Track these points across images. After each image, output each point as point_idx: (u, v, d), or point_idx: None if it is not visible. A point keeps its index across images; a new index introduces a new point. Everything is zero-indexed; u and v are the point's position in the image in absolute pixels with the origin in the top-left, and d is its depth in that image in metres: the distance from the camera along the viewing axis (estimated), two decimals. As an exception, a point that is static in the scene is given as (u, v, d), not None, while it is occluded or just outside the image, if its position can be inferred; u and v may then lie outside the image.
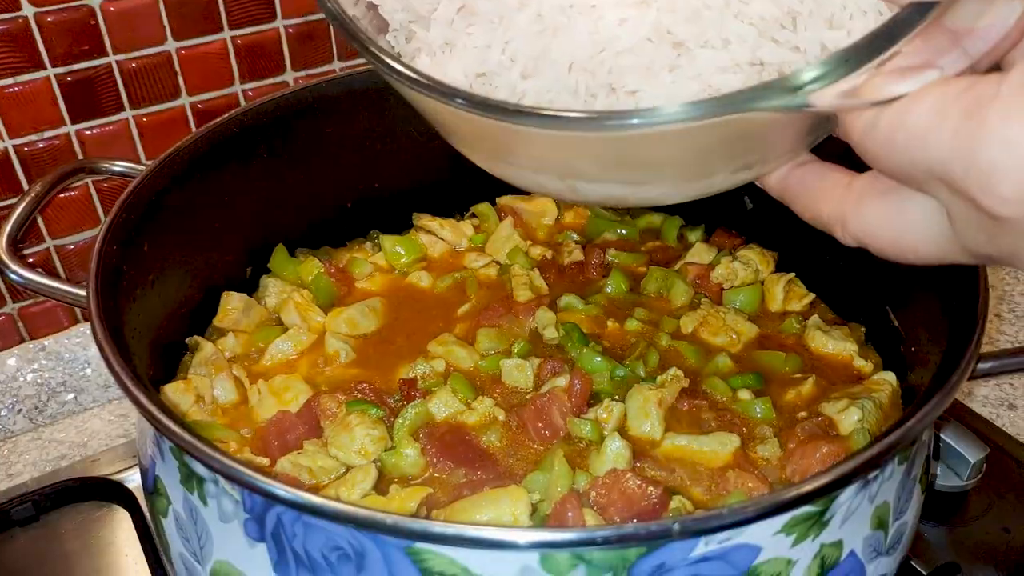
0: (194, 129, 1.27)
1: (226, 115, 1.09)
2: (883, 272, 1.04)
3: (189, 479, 0.74)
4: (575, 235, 1.27)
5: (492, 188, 1.31)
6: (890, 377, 1.02)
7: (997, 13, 0.49)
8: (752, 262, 1.15)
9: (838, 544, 0.71)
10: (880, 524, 0.75)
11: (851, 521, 0.71)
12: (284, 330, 1.11)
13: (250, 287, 1.17)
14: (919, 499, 0.83)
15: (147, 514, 0.88)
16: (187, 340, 1.08)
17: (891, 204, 0.55)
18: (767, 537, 0.65)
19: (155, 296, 1.00)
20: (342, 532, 0.63)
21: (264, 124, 1.12)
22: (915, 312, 0.98)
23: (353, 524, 0.61)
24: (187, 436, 0.66)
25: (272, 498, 0.63)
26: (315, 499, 0.61)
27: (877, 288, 1.06)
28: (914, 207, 0.53)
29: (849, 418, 0.95)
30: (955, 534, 1.05)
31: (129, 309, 0.91)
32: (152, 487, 0.82)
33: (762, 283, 1.15)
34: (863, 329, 1.09)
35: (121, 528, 1.13)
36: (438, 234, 1.27)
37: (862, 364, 1.05)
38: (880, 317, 1.06)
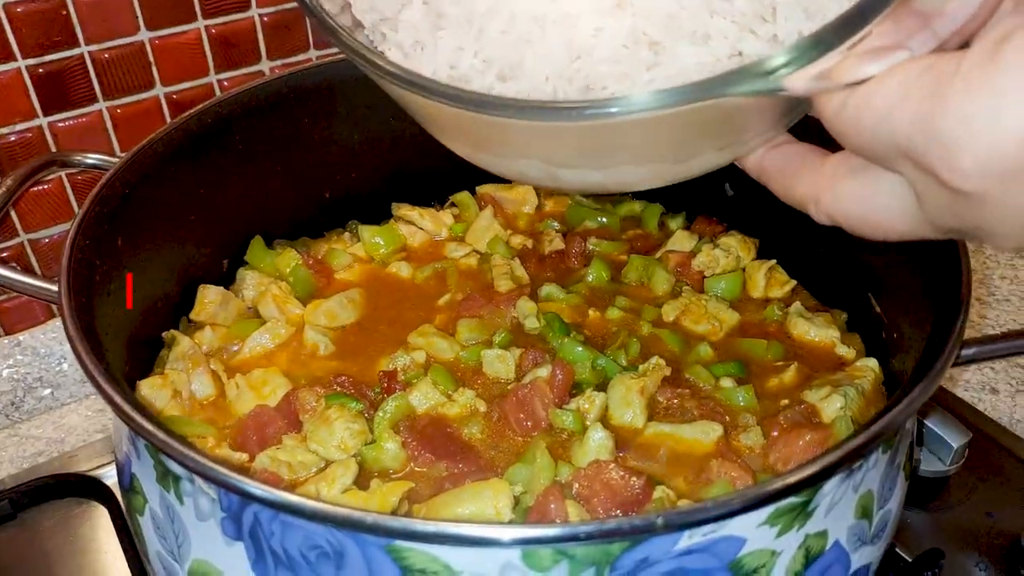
0: (169, 120, 1.26)
1: (201, 106, 1.07)
2: (864, 258, 1.04)
3: (165, 477, 0.73)
4: (555, 223, 1.26)
5: (472, 177, 1.29)
6: (872, 363, 1.01)
7: None
8: (733, 249, 1.15)
9: (823, 534, 0.71)
10: (864, 513, 0.75)
11: (835, 511, 0.71)
12: (262, 323, 1.10)
13: (227, 280, 1.16)
14: (903, 486, 0.83)
15: (125, 512, 0.87)
16: (163, 335, 1.07)
17: (862, 182, 0.56)
18: (751, 528, 0.65)
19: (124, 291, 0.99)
20: (321, 531, 0.62)
21: (240, 115, 1.11)
22: (897, 298, 0.97)
23: (332, 523, 0.60)
24: (161, 435, 0.65)
25: (248, 497, 0.62)
26: (292, 498, 0.60)
27: (859, 274, 1.05)
28: (884, 184, 0.54)
29: (832, 405, 0.95)
30: (938, 519, 1.05)
31: (102, 304, 0.89)
32: (129, 485, 0.81)
33: (743, 270, 1.14)
34: (845, 316, 1.09)
35: (100, 525, 1.12)
36: (418, 224, 1.26)
37: (844, 351, 1.05)
38: (862, 304, 1.06)
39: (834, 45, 0.50)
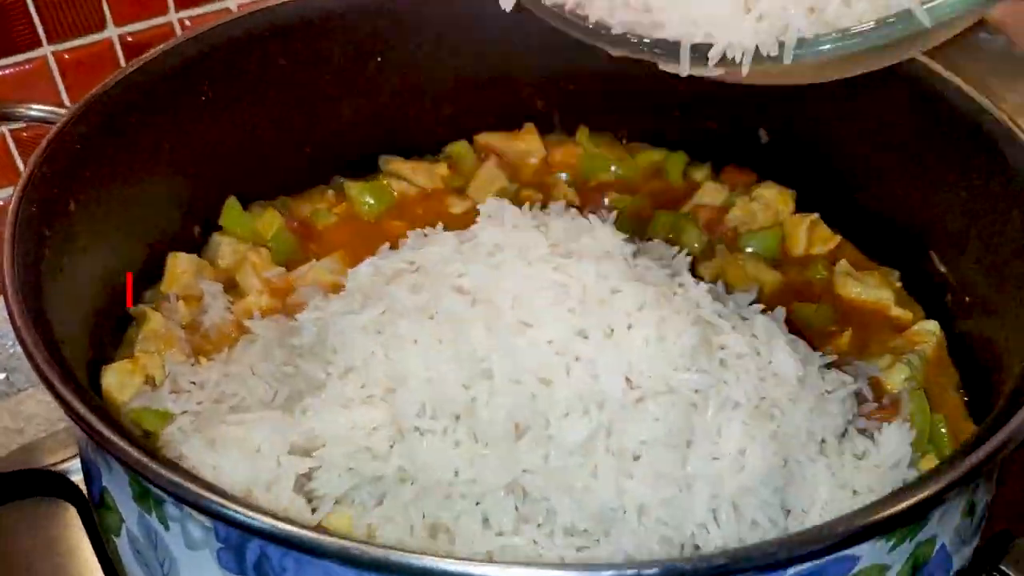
0: (124, 65, 1.10)
1: (161, 47, 0.93)
2: (924, 210, 0.93)
3: (144, 497, 0.60)
4: (565, 175, 1.13)
5: (468, 125, 1.16)
6: (933, 327, 0.91)
7: None
8: (771, 202, 1.03)
9: (931, 540, 0.61)
10: (970, 510, 0.65)
11: (947, 515, 0.61)
12: (241, 293, 0.97)
13: (201, 248, 1.02)
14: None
15: (98, 526, 0.74)
16: (130, 310, 0.93)
17: None
18: (867, 546, 0.54)
19: (88, 263, 0.85)
20: (348, 572, 0.50)
21: (207, 58, 0.96)
22: (971, 254, 0.86)
23: (364, 566, 0.48)
24: (140, 456, 0.52)
25: (254, 532, 0.50)
26: (311, 535, 0.48)
27: (916, 228, 0.94)
28: None
29: (896, 376, 0.85)
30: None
31: (55, 282, 0.76)
32: (99, 499, 0.69)
33: (782, 225, 1.03)
34: (897, 274, 0.98)
35: (71, 525, 0.99)
36: (410, 179, 1.12)
37: (900, 313, 0.94)
38: (918, 261, 0.95)
39: None
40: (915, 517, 0.54)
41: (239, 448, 0.69)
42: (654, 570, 0.48)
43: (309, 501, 0.72)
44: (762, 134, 1.06)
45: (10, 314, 0.67)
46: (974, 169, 0.86)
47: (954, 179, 0.89)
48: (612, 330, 0.70)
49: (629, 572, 0.48)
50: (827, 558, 0.53)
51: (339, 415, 0.71)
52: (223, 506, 0.50)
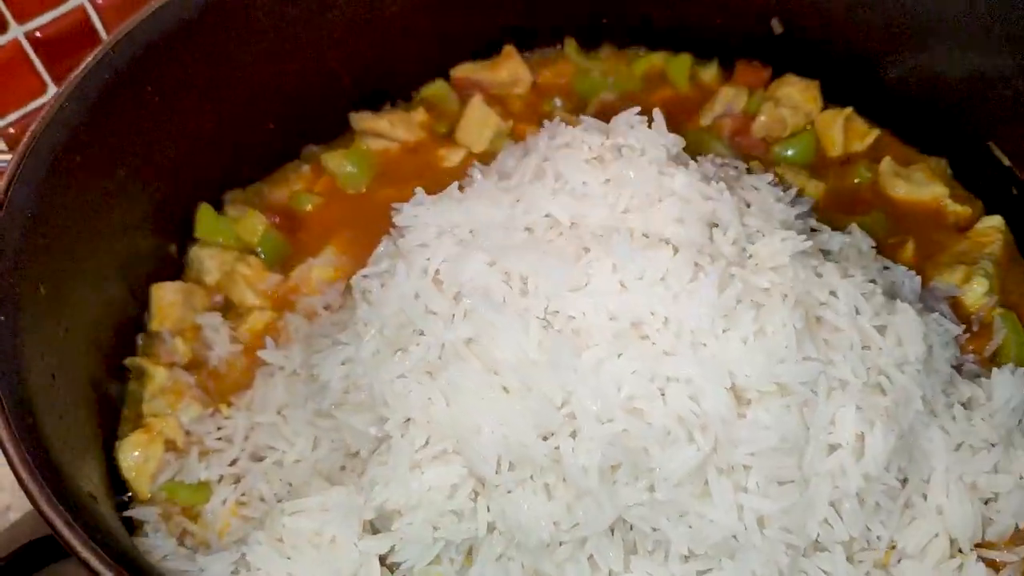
0: (43, 75, 0.95)
1: (92, 59, 0.78)
2: (975, 88, 0.84)
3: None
4: (560, 101, 1.01)
5: (441, 60, 1.03)
6: (998, 222, 0.85)
7: None
8: (798, 102, 0.93)
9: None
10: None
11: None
12: (239, 313, 0.88)
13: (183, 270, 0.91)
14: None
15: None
16: (126, 362, 0.84)
17: None
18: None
19: (73, 339, 0.75)
20: None
21: (145, 57, 0.82)
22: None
23: None
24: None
25: None
26: None
27: (967, 111, 0.85)
28: None
29: (976, 292, 0.80)
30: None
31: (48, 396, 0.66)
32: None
33: (814, 125, 0.93)
34: (945, 162, 0.90)
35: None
36: (388, 135, 1.00)
37: (958, 209, 0.87)
38: (967, 149, 0.87)
39: None
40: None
41: (312, 544, 0.62)
42: None
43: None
44: (775, 24, 0.94)
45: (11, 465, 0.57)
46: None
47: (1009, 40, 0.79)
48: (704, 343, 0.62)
49: None
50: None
51: (411, 479, 0.64)
52: None
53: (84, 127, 0.77)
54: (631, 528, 0.64)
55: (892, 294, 0.72)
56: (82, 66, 0.78)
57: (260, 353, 0.83)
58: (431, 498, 0.64)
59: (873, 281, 0.70)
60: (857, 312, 0.66)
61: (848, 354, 0.64)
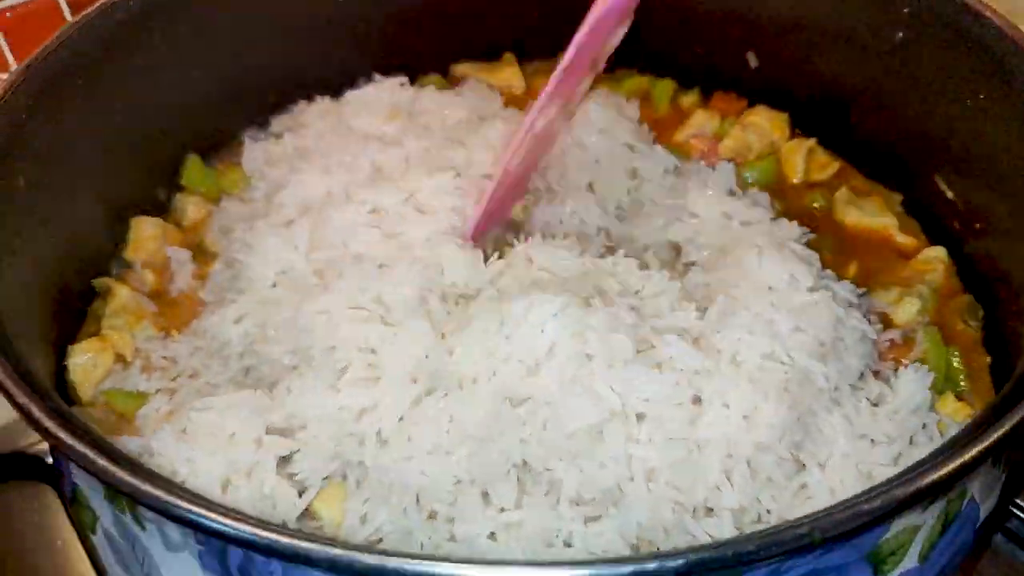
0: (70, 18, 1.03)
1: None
2: (928, 132, 0.88)
3: (116, 498, 0.56)
4: (547, 109, 1.06)
5: (444, 52, 1.09)
6: (940, 253, 0.87)
7: None
8: (765, 130, 0.97)
9: (962, 494, 0.57)
10: (998, 459, 0.61)
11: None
12: (207, 257, 0.92)
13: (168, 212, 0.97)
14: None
15: (74, 524, 0.70)
16: (95, 283, 0.88)
17: None
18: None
19: (48, 237, 0.80)
20: (337, 578, 0.46)
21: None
22: (979, 177, 0.82)
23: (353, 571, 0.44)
24: (104, 463, 0.47)
25: (233, 542, 0.45)
26: (295, 544, 0.44)
27: (920, 151, 0.89)
28: None
29: (907, 310, 0.81)
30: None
31: (8, 266, 0.71)
32: (72, 496, 0.64)
33: (778, 153, 0.97)
34: (900, 198, 0.93)
35: (51, 510, 0.94)
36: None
37: (905, 240, 0.90)
38: (917, 185, 0.90)
39: None
40: (952, 483, 0.50)
41: (212, 436, 0.65)
42: (679, 562, 0.44)
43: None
44: (750, 58, 0.99)
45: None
46: (975, 83, 0.81)
47: (956, 95, 0.83)
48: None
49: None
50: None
51: (326, 396, 0.67)
52: (198, 515, 0.45)
53: (91, 57, 0.84)
54: (527, 467, 0.66)
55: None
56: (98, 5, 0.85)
57: (201, 293, 0.88)
58: (340, 417, 0.67)
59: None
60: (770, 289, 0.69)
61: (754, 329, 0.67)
